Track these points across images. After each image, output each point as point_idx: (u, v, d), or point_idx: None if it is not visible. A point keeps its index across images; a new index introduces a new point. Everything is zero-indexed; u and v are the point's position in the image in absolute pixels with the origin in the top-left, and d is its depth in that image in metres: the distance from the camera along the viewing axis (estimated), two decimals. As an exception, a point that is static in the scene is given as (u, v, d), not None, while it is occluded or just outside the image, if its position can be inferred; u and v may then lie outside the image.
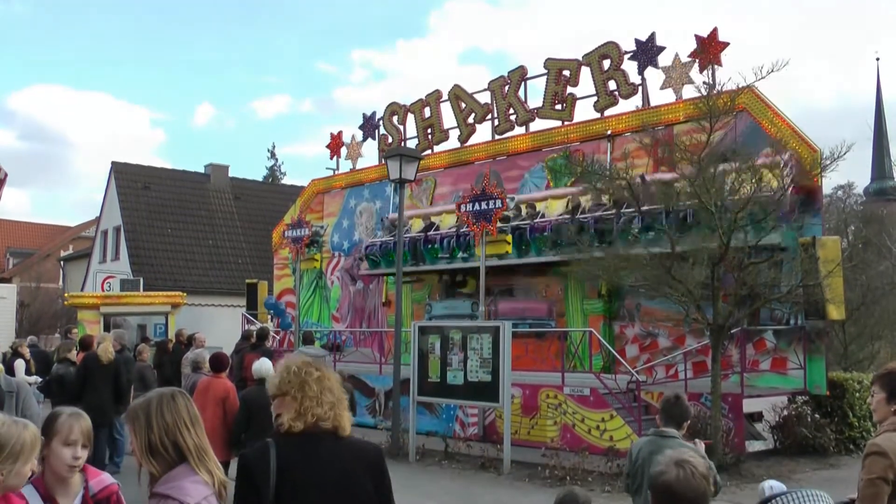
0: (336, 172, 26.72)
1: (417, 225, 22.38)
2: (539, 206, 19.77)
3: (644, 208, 15.91)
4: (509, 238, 18.74)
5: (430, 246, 21.37)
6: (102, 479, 3.98)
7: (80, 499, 3.86)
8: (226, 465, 9.73)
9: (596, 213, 18.01)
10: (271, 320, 26.65)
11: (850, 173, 73.99)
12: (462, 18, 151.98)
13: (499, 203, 17.67)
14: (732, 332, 14.87)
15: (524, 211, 19.90)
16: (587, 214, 18.22)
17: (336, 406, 3.61)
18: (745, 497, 11.75)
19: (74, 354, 14.15)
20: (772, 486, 5.04)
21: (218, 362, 11.12)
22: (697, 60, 17.52)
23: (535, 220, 19.26)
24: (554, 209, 19.32)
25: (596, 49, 19.60)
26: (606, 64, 19.40)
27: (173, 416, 3.32)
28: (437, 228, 21.71)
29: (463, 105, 22.66)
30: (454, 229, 20.61)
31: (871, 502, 3.93)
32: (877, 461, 3.96)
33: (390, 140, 24.59)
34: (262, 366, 10.75)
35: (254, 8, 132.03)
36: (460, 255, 20.69)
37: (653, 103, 18.88)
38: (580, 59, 19.93)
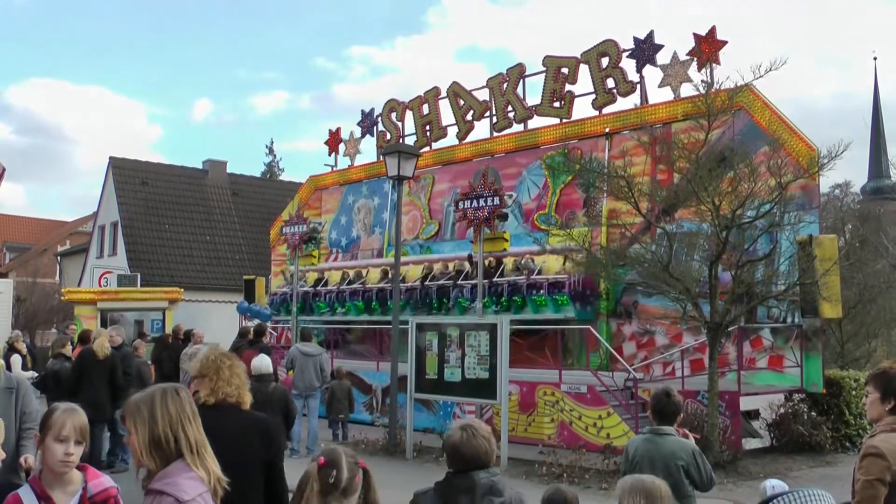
0: (334, 169, 26.73)
1: (312, 279, 24.66)
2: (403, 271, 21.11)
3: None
4: (507, 235, 18.78)
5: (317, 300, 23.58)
6: (102, 481, 3.95)
7: (78, 499, 3.83)
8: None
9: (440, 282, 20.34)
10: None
11: (847, 172, 74.16)
12: (461, 16, 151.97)
13: (496, 200, 17.70)
14: (730, 329, 14.89)
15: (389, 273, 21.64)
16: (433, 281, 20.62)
17: (240, 387, 4.84)
18: (742, 494, 11.77)
19: (70, 350, 14.11)
20: (773, 485, 5.06)
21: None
22: (696, 59, 17.55)
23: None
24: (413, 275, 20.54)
25: (594, 47, 19.61)
26: (605, 62, 19.43)
27: (177, 409, 3.32)
28: (326, 283, 24.16)
29: (461, 102, 22.67)
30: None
31: (869, 503, 3.94)
32: (874, 462, 3.97)
33: (388, 137, 24.60)
34: (262, 362, 10.78)
35: (253, 3, 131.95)
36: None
37: (651, 101, 18.90)
38: (579, 56, 19.94)
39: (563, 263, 18.33)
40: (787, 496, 3.65)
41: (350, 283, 23.04)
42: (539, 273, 18.72)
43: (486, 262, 18.71)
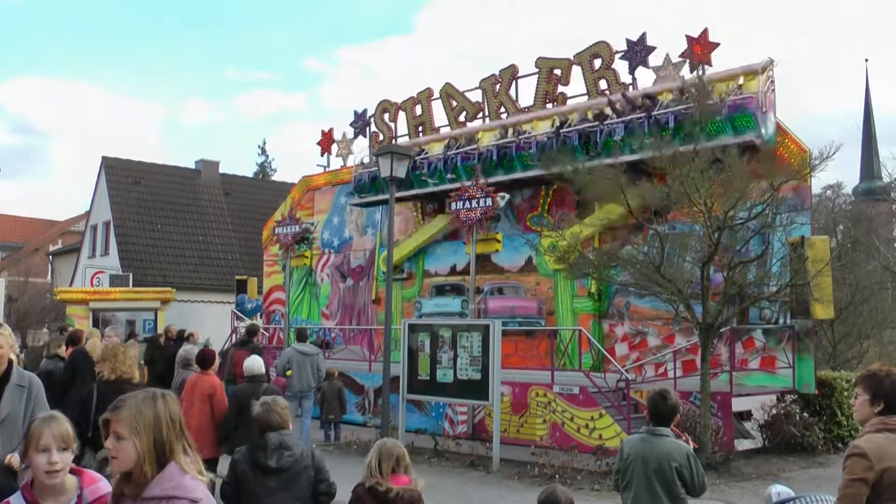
0: (327, 169, 26.70)
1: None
2: (525, 127, 20.12)
3: (626, 118, 17.39)
4: (499, 236, 18.80)
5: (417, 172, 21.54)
6: (99, 486, 3.85)
7: None
8: (214, 463, 9.73)
9: (579, 127, 18.42)
10: (260, 317, 26.65)
11: (839, 173, 74.32)
12: (453, 17, 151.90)
13: (489, 201, 17.74)
14: (722, 330, 14.92)
15: (510, 133, 20.26)
16: (571, 128, 18.61)
17: (132, 366, 7.50)
18: (734, 495, 11.80)
19: (63, 350, 14.07)
20: (779, 491, 5.05)
21: (204, 359, 11.11)
22: (688, 60, 17.57)
23: (521, 138, 19.60)
24: (539, 128, 19.69)
25: (587, 48, 19.60)
26: (597, 63, 19.40)
27: (178, 413, 3.29)
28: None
29: (454, 103, 22.64)
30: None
31: (850, 502, 3.97)
32: (857, 462, 4.00)
33: (381, 137, 24.57)
34: (254, 363, 10.76)
35: (245, 3, 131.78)
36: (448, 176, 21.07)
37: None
38: (571, 58, 19.93)
39: (739, 85, 16.56)
40: (793, 502, 3.65)
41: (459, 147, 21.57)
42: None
43: (642, 101, 17.58)
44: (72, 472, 3.85)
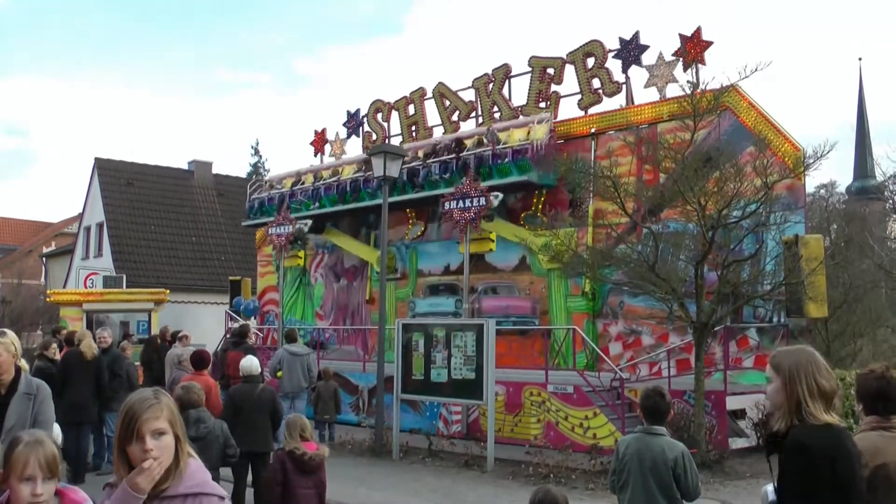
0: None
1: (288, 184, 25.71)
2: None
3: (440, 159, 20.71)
4: (493, 235, 18.80)
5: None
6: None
7: None
8: (209, 463, 9.70)
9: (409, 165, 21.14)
10: (254, 318, 26.60)
11: (832, 172, 74.44)
12: (444, 16, 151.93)
13: (482, 201, 17.75)
14: (716, 329, 14.91)
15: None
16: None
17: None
18: (728, 494, 11.79)
19: (55, 351, 14.01)
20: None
21: (199, 360, 11.09)
22: (681, 59, 17.58)
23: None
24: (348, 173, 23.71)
25: (580, 47, 19.61)
26: (591, 62, 19.43)
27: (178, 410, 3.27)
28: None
29: (447, 103, 22.64)
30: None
31: None
32: None
33: (374, 137, 24.56)
34: (251, 364, 10.74)
35: (237, 4, 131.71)
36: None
37: (637, 102, 18.92)
38: (564, 57, 19.94)
39: (528, 135, 19.31)
40: None
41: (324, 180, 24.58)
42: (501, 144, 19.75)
43: (451, 142, 20.85)
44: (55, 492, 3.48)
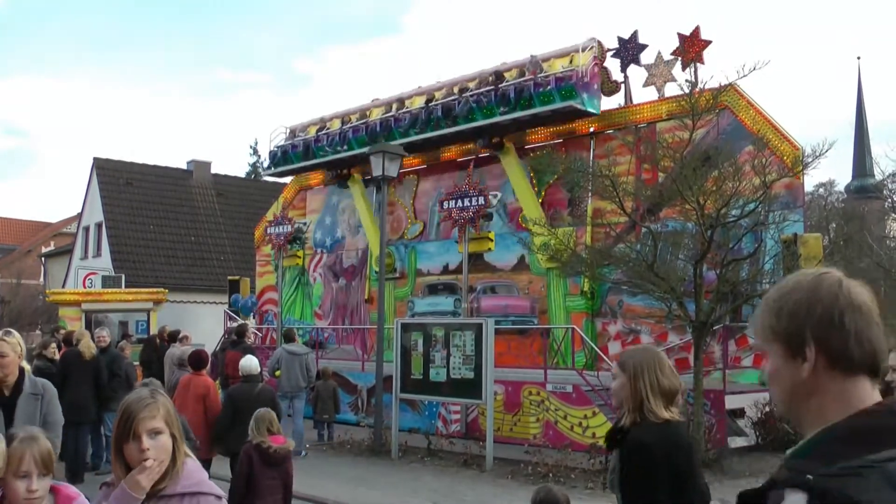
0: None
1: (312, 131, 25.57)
2: (406, 103, 22.69)
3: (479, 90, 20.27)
4: (492, 235, 18.79)
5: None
6: (80, 500, 3.59)
7: None
8: (207, 463, 9.70)
9: (443, 101, 21.18)
10: (253, 317, 26.60)
11: (831, 171, 74.47)
12: (443, 16, 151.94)
13: (481, 200, 17.74)
14: (715, 328, 14.90)
15: (394, 108, 22.85)
16: (437, 102, 21.35)
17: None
18: (727, 492, 11.77)
19: (53, 351, 14.01)
20: None
21: (197, 360, 11.09)
22: (680, 58, 17.58)
23: (400, 112, 22.19)
24: (417, 103, 22.26)
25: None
26: (589, 61, 19.38)
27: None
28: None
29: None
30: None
31: None
32: None
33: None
34: (251, 363, 10.75)
35: (236, 4, 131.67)
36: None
37: (635, 101, 18.92)
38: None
39: (570, 62, 19.00)
40: None
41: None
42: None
43: (490, 75, 20.32)
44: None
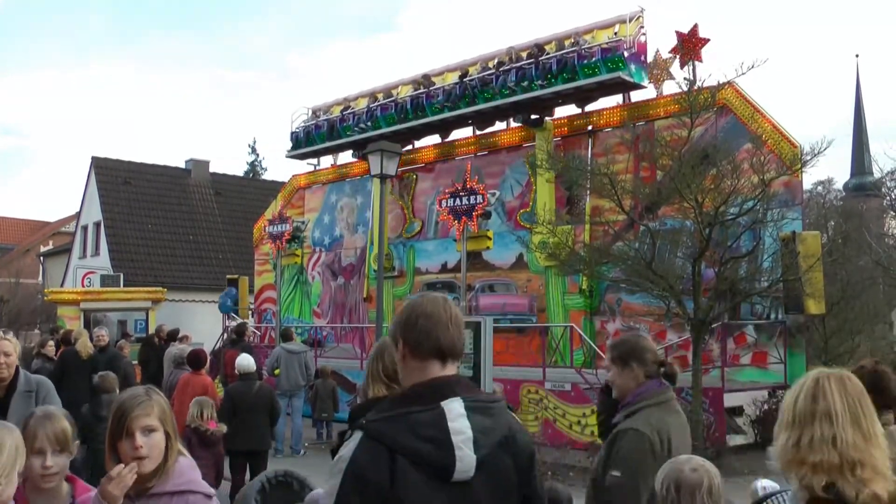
0: (317, 168, 26.67)
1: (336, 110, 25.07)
2: (435, 80, 22.23)
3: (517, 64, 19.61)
4: (490, 233, 18.77)
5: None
6: (91, 497, 3.47)
7: None
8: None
9: (480, 74, 20.66)
10: (251, 315, 26.61)
11: (830, 169, 74.49)
12: (440, 13, 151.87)
13: (479, 199, 17.72)
14: (713, 326, 14.91)
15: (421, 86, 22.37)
16: (473, 77, 20.89)
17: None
18: (726, 490, 11.73)
19: (51, 350, 14.01)
20: (765, 486, 4.98)
21: (196, 359, 11.08)
22: (678, 56, 17.56)
23: (431, 88, 21.77)
24: (448, 80, 21.94)
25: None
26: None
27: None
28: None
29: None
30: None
31: None
32: None
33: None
34: (247, 361, 10.76)
35: (234, 3, 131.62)
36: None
37: (634, 99, 18.90)
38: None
39: (614, 34, 18.48)
40: (779, 496, 3.61)
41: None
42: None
43: (530, 47, 19.88)
44: (66, 479, 3.53)
